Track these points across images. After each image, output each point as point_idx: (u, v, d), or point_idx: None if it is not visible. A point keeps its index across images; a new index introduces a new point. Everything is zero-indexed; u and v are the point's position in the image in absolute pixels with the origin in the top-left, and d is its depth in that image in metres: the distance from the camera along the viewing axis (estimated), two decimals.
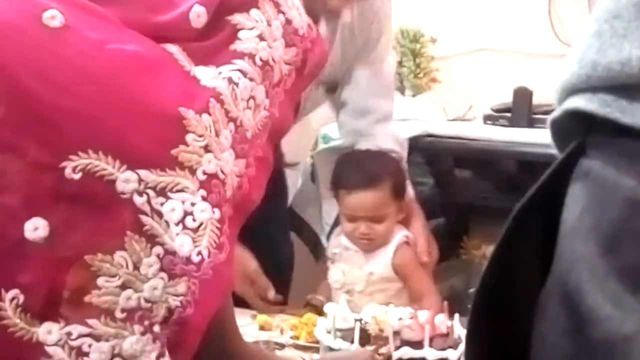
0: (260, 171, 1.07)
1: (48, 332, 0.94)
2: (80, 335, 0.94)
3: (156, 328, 0.97)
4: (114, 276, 0.95)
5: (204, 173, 0.98)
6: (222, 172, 1.00)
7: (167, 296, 0.96)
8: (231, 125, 1.02)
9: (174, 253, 0.97)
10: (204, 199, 0.98)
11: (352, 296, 1.99)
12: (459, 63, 2.95)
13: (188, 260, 0.97)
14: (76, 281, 0.94)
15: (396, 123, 2.54)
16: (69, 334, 0.94)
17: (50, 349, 0.93)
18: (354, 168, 2.06)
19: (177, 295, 0.97)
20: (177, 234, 0.97)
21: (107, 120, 0.96)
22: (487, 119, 2.68)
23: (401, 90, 2.90)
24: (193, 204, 0.98)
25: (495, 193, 2.57)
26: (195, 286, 0.97)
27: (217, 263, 0.99)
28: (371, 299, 1.95)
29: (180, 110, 0.98)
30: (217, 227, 0.99)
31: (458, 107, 2.84)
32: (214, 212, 0.99)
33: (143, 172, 0.95)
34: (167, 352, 0.98)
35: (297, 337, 1.84)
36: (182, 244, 0.97)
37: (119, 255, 0.95)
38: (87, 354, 0.94)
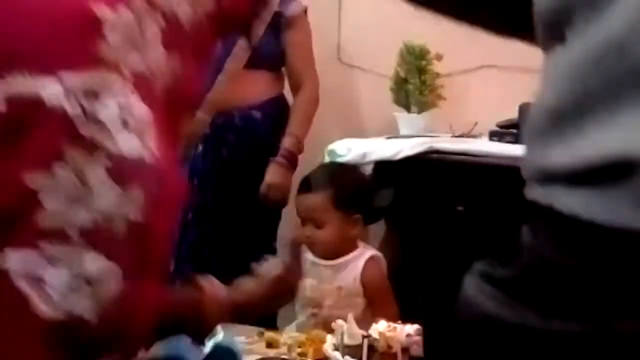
0: (198, 64, 1.00)
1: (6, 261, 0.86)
2: (34, 261, 0.86)
3: (116, 244, 0.88)
4: (58, 192, 0.86)
5: (132, 71, 0.91)
6: (150, 68, 0.93)
7: (121, 206, 0.87)
8: (159, 18, 0.95)
9: (120, 157, 0.88)
10: (136, 96, 0.91)
11: (320, 311, 2.09)
12: (464, 80, 2.95)
13: (136, 162, 0.89)
14: (19, 205, 0.86)
15: (402, 140, 2.56)
16: (23, 260, 0.86)
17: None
18: (310, 174, 2.23)
19: (132, 203, 0.88)
20: (119, 136, 0.88)
21: (16, 33, 0.90)
22: (493, 135, 2.68)
23: (407, 107, 2.91)
24: (127, 103, 0.89)
25: (502, 208, 2.56)
26: (148, 190, 0.88)
27: (166, 162, 0.91)
28: (341, 313, 1.95)
29: (92, 6, 0.91)
30: (155, 125, 0.91)
31: (464, 124, 2.85)
32: (149, 110, 0.91)
33: (67, 76, 0.87)
34: (131, 269, 0.90)
35: (304, 354, 1.84)
36: (126, 146, 0.88)
37: (60, 169, 0.86)
38: (44, 280, 0.86)
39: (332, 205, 2.11)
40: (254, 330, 2.04)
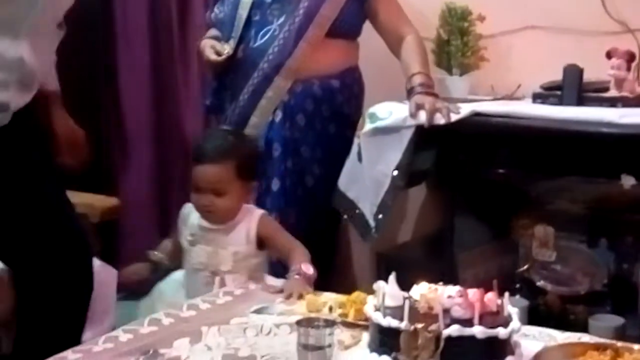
0: None
1: None
2: None
3: None
4: None
5: None
6: None
7: None
8: None
9: None
10: None
11: (217, 275, 2.15)
12: (507, 41, 2.91)
13: None
14: None
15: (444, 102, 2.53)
16: None
17: None
18: (204, 143, 2.21)
19: None
20: None
21: None
22: (537, 97, 2.64)
23: (448, 69, 2.88)
24: None
25: (545, 173, 2.54)
26: None
27: None
28: (238, 275, 2.15)
29: None
30: None
31: (507, 86, 2.82)
32: None
33: None
34: None
35: (345, 315, 1.85)
36: None
37: None
38: None
39: (235, 175, 2.14)
40: None
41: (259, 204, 2.54)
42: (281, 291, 2.02)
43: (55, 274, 1.99)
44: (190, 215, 2.22)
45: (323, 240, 2.67)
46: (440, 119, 2.47)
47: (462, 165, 2.65)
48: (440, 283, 1.67)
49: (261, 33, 2.62)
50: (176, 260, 2.27)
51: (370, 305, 1.66)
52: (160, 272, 2.27)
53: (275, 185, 2.57)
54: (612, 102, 2.47)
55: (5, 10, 1.94)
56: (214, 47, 2.67)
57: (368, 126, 2.56)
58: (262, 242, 2.18)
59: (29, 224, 1.98)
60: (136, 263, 2.28)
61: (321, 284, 2.41)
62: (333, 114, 2.64)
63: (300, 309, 1.91)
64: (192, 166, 2.18)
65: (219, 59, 2.64)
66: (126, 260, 2.67)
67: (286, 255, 2.18)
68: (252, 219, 2.18)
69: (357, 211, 2.61)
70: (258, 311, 1.93)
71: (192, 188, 2.18)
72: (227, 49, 2.64)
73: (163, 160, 3.24)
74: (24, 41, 1.97)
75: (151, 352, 1.68)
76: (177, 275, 2.28)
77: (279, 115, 2.58)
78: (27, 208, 1.98)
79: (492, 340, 1.54)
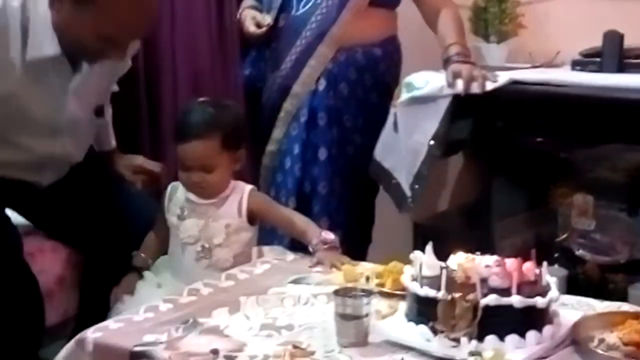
0: None
1: None
2: None
3: None
4: None
5: None
6: None
7: None
8: None
9: None
10: None
11: (209, 252, 2.08)
12: (545, 7, 2.87)
13: None
14: None
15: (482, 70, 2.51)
16: None
17: None
18: (186, 119, 2.10)
19: None
20: None
21: None
22: (576, 64, 2.61)
23: (486, 37, 2.85)
24: None
25: (584, 141, 2.51)
26: None
27: None
28: (229, 250, 2.09)
29: None
30: None
31: (545, 53, 2.78)
32: None
33: None
34: None
35: (382, 285, 1.85)
36: None
37: None
38: None
39: (222, 148, 2.06)
40: None
41: (306, 172, 2.54)
42: (317, 264, 2.01)
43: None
44: (177, 192, 2.15)
45: (362, 210, 2.67)
46: (476, 88, 2.44)
47: (500, 134, 2.62)
48: (478, 252, 1.67)
49: (303, 1, 2.60)
50: (160, 252, 2.18)
51: (407, 275, 1.66)
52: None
53: (322, 154, 2.56)
54: None
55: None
56: (255, 18, 2.66)
57: (404, 96, 2.55)
58: (252, 217, 2.12)
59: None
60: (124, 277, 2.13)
61: (359, 254, 2.43)
62: (375, 82, 2.63)
63: (337, 279, 1.91)
64: (177, 145, 2.08)
65: (260, 31, 2.63)
66: None
67: (287, 225, 2.17)
68: (242, 192, 2.12)
69: (393, 181, 2.60)
70: (296, 281, 1.94)
71: (179, 166, 2.09)
72: (268, 20, 2.63)
73: None
74: (59, 138, 2.17)
75: (191, 321, 1.70)
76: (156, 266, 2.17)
77: (322, 84, 2.57)
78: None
79: (530, 310, 1.54)
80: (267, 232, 2.40)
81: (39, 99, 2.07)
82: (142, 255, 2.16)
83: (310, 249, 2.07)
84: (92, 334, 1.67)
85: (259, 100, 2.70)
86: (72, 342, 1.68)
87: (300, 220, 2.15)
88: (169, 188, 2.17)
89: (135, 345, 1.60)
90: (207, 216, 2.10)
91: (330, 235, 2.07)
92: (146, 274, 2.13)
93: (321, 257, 2.03)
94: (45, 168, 2.23)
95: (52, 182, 2.26)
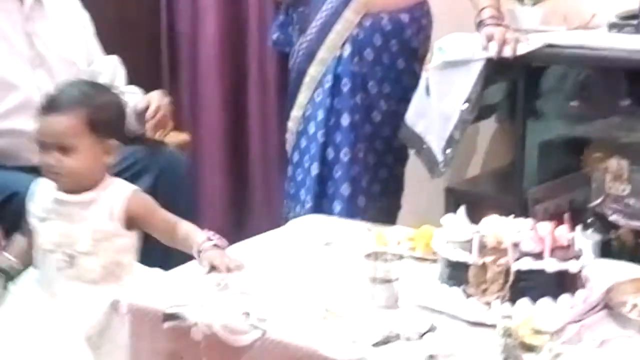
0: None
1: None
2: None
3: None
4: None
5: None
6: None
7: None
8: None
9: None
10: None
11: (72, 259, 1.82)
12: None
13: None
14: None
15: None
16: None
17: None
18: (55, 92, 1.90)
19: None
20: None
21: None
22: (612, 27, 2.56)
23: None
24: None
25: (619, 104, 2.48)
26: None
27: None
28: (97, 259, 1.82)
29: None
30: None
31: (580, 16, 2.73)
32: None
33: None
34: None
35: (414, 249, 1.85)
36: None
37: None
38: None
39: (87, 128, 1.81)
40: (360, 226, 2.07)
41: (329, 139, 2.53)
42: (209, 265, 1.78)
43: None
44: (43, 189, 1.88)
45: (391, 176, 2.66)
46: (509, 51, 2.41)
47: (534, 98, 2.59)
48: (510, 217, 1.66)
49: None
50: (31, 259, 1.92)
51: (438, 239, 1.66)
52: (14, 279, 1.90)
53: (345, 120, 2.55)
54: None
55: None
56: None
57: (436, 60, 2.52)
58: (132, 222, 1.85)
59: None
60: None
61: (388, 220, 2.42)
62: (401, 48, 2.60)
63: (368, 243, 1.91)
64: (37, 121, 1.86)
65: None
66: None
67: (169, 231, 1.86)
68: (119, 193, 1.84)
69: (424, 146, 2.59)
70: (326, 245, 1.94)
71: (37, 147, 1.85)
72: None
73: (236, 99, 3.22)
74: None
75: (222, 284, 1.72)
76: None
77: (347, 50, 2.56)
78: None
79: (563, 274, 1.53)
80: (329, 198, 2.40)
81: None
82: (8, 256, 1.91)
83: (195, 253, 1.80)
84: (126, 296, 1.69)
85: (286, 64, 2.70)
86: (106, 305, 1.70)
87: (185, 226, 1.86)
88: (34, 183, 1.91)
89: (168, 307, 1.62)
90: (71, 219, 1.82)
91: (215, 236, 1.82)
92: (10, 285, 1.88)
93: (206, 256, 1.78)
94: None
95: None
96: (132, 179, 2.39)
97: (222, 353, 1.56)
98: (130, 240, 1.87)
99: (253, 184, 3.08)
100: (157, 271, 1.91)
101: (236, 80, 3.05)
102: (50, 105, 1.83)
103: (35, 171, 2.04)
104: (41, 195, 1.88)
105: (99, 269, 1.82)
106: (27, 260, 1.91)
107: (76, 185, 1.83)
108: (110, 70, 2.52)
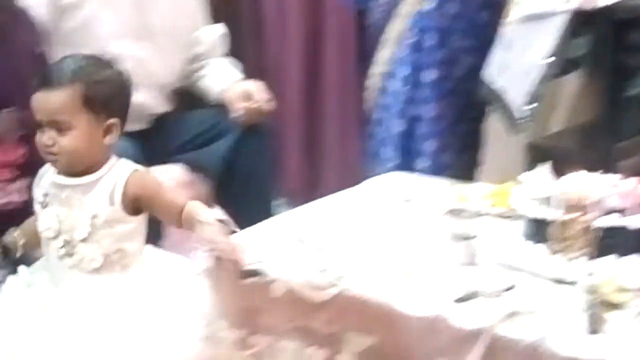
0: None
1: None
2: None
3: None
4: None
5: None
6: None
7: None
8: None
9: None
10: None
11: (71, 247, 1.69)
12: None
13: None
14: None
15: None
16: None
17: None
18: (52, 66, 1.77)
19: None
20: None
21: None
22: None
23: None
24: None
25: None
26: None
27: None
28: (97, 247, 1.69)
29: None
30: None
31: None
32: None
33: None
34: None
35: (493, 206, 1.83)
36: None
37: None
38: None
39: (83, 104, 1.67)
40: (440, 183, 2.06)
41: (412, 95, 2.51)
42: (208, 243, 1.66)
43: None
44: (47, 173, 1.76)
45: (473, 132, 2.63)
46: (594, 2, 2.34)
47: (620, 51, 2.51)
48: (595, 173, 1.62)
49: None
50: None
51: (519, 196, 1.63)
52: (10, 259, 1.78)
53: (429, 75, 2.52)
54: None
55: None
56: None
57: (517, 13, 2.46)
58: (135, 205, 1.70)
59: None
60: None
61: (469, 177, 2.39)
62: (484, 1, 2.55)
63: (448, 200, 1.90)
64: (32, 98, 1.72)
65: None
66: None
67: (175, 214, 1.70)
68: (119, 175, 1.70)
69: (504, 102, 2.54)
70: (405, 202, 1.94)
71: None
72: None
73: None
74: None
75: (299, 240, 1.73)
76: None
77: (430, 3, 2.52)
78: None
79: None
80: (412, 154, 2.40)
81: None
82: (15, 234, 1.79)
83: (196, 225, 1.66)
84: (207, 251, 1.71)
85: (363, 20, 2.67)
86: (187, 259, 1.73)
87: (191, 205, 1.70)
88: (40, 170, 1.78)
89: (249, 263, 1.64)
90: (70, 204, 1.70)
91: (219, 214, 1.69)
92: (21, 269, 1.77)
93: (202, 233, 1.65)
94: None
95: None
96: (211, 141, 2.44)
97: (300, 309, 1.58)
98: (135, 225, 1.72)
99: (330, 143, 3.08)
100: (174, 256, 1.79)
101: (312, 38, 3.04)
102: (45, 81, 1.69)
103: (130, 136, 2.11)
104: (44, 179, 1.76)
105: (100, 257, 1.69)
106: (36, 244, 1.78)
107: (74, 166, 1.70)
108: (211, 40, 2.55)
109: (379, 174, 2.30)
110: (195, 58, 2.55)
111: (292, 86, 3.05)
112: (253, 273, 1.63)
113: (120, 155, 1.91)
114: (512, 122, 2.54)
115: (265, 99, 2.44)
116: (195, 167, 2.46)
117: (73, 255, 1.69)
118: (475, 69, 2.54)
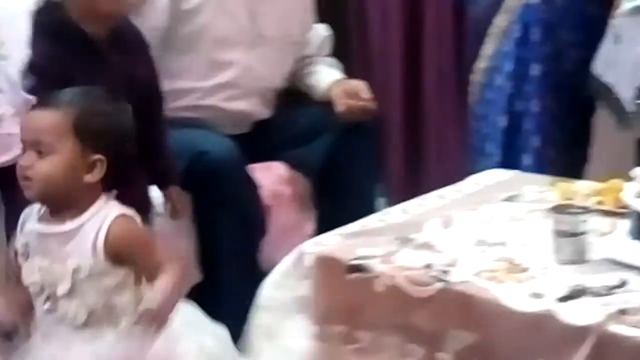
0: None
1: None
2: None
3: None
4: None
5: None
6: None
7: None
8: None
9: None
10: None
11: (54, 300, 1.55)
12: None
13: None
14: None
15: None
16: None
17: None
18: (57, 93, 1.63)
19: None
20: None
21: None
22: None
23: None
24: None
25: None
26: None
27: None
28: (80, 302, 1.53)
29: None
30: None
31: None
32: None
33: None
34: None
35: (602, 203, 1.79)
36: None
37: None
38: None
39: (71, 128, 1.53)
40: (544, 179, 2.02)
41: (518, 90, 2.47)
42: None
43: None
44: (29, 219, 1.61)
45: (580, 127, 2.57)
46: None
47: None
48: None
49: None
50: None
51: (629, 192, 1.59)
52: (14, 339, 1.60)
53: (534, 70, 2.47)
54: None
55: None
56: None
57: (627, 5, 2.40)
58: (118, 258, 1.54)
59: None
60: None
61: (575, 173, 2.34)
62: None
63: (552, 196, 1.86)
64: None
65: None
66: None
67: (151, 278, 1.55)
68: (103, 220, 1.54)
69: (613, 96, 2.47)
70: (509, 199, 1.91)
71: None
72: None
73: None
74: None
75: (404, 237, 1.73)
76: None
77: None
78: None
79: None
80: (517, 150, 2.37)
81: None
82: (11, 316, 1.59)
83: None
84: (311, 247, 1.73)
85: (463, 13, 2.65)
86: (291, 255, 1.75)
87: (160, 282, 1.53)
88: (22, 215, 1.62)
89: (352, 259, 1.65)
90: (53, 255, 1.55)
91: (155, 305, 1.51)
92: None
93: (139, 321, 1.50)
94: None
95: None
96: (313, 139, 2.46)
97: (403, 304, 1.58)
98: (124, 277, 1.55)
99: (431, 139, 3.06)
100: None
101: (412, 31, 3.03)
102: (43, 101, 1.61)
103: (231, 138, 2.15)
104: (26, 227, 1.61)
105: (84, 313, 1.54)
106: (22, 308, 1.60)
107: (46, 196, 1.55)
108: (318, 41, 2.58)
109: (482, 170, 2.28)
110: (302, 59, 2.57)
111: (394, 84, 3.04)
112: (357, 268, 1.64)
113: (224, 154, 1.97)
114: (621, 116, 2.47)
115: (368, 97, 2.45)
116: (296, 164, 2.48)
117: (57, 310, 1.55)
118: (583, 63, 2.49)
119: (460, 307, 1.51)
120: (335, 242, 1.76)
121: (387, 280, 1.60)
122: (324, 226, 2.08)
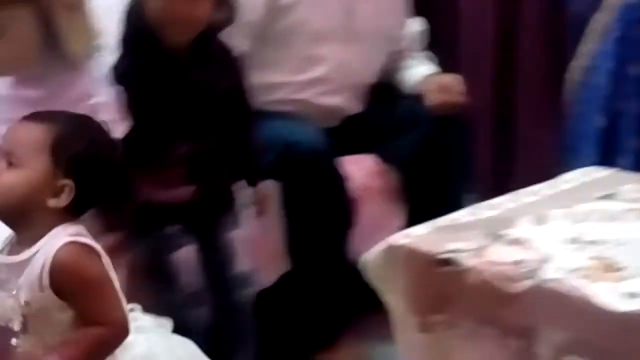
0: None
1: None
2: None
3: None
4: None
5: None
6: None
7: None
8: None
9: None
10: None
11: (12, 336, 1.43)
12: None
13: None
14: None
15: None
16: None
17: None
18: (52, 110, 1.56)
19: None
20: None
21: None
22: None
23: None
24: None
25: None
26: None
27: None
28: (37, 339, 1.41)
29: None
30: None
31: None
32: None
33: None
34: None
35: None
36: None
37: None
38: None
39: (49, 145, 1.43)
40: None
41: (616, 89, 2.40)
42: None
43: None
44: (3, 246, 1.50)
45: None
46: None
47: None
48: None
49: None
50: None
51: None
52: None
53: (634, 70, 2.42)
54: None
55: None
56: None
57: None
58: (61, 288, 1.40)
59: None
60: None
61: None
62: None
63: None
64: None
65: None
66: None
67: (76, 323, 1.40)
68: (50, 249, 1.39)
69: None
70: (605, 197, 1.87)
71: None
72: None
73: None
74: None
75: (496, 232, 1.71)
76: None
77: None
78: None
79: None
80: (614, 150, 2.33)
81: None
82: None
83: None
84: (402, 239, 1.73)
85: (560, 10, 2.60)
86: (381, 247, 1.75)
87: (77, 335, 1.39)
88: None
89: (442, 253, 1.64)
90: (6, 288, 1.43)
91: None
92: None
93: None
94: None
95: None
96: (404, 132, 2.45)
97: (493, 300, 1.56)
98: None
99: (522, 136, 3.02)
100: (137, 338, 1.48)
101: (506, 28, 2.99)
102: (31, 115, 1.51)
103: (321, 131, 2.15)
104: None
105: (40, 351, 1.41)
106: None
107: (3, 209, 1.43)
108: (412, 36, 2.58)
109: (574, 169, 2.24)
110: (396, 54, 2.57)
111: (486, 79, 3.02)
112: (448, 262, 1.63)
113: (315, 145, 1.99)
114: None
115: (462, 91, 2.43)
116: (386, 158, 2.48)
117: (17, 347, 1.44)
118: None
119: (552, 304, 1.48)
120: (425, 235, 1.75)
121: (477, 274, 1.58)
122: (412, 220, 2.08)
